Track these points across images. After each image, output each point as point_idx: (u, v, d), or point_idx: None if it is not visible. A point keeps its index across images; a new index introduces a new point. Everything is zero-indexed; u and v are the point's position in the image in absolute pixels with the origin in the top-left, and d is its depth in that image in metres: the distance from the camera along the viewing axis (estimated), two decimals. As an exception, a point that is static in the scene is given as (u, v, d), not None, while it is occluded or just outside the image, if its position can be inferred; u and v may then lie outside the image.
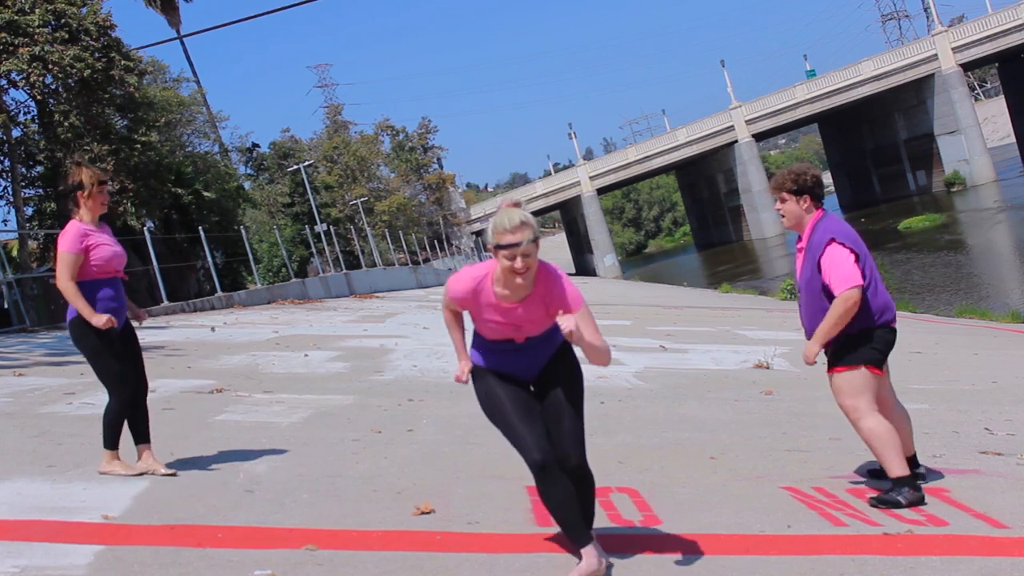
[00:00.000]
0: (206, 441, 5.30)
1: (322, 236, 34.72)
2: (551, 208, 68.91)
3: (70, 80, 20.15)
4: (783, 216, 4.49)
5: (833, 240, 4.26)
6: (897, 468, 4.16)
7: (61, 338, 11.92)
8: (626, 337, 12.61)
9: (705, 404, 7.10)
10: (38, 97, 20.87)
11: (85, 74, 19.82)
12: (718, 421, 6.38)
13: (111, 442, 4.52)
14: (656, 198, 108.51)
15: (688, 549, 3.53)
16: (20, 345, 10.85)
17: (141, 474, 4.51)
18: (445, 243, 58.16)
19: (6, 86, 20.59)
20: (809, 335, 4.39)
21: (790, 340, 11.28)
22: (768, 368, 9.07)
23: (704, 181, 65.90)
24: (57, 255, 4.50)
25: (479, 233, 67.17)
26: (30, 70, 19.33)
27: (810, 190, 4.37)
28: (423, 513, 3.94)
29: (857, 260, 4.24)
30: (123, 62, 21.13)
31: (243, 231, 25.33)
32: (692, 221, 75.45)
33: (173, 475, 4.54)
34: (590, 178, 61.03)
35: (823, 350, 4.34)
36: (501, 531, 3.77)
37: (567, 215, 69.14)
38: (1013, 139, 63.32)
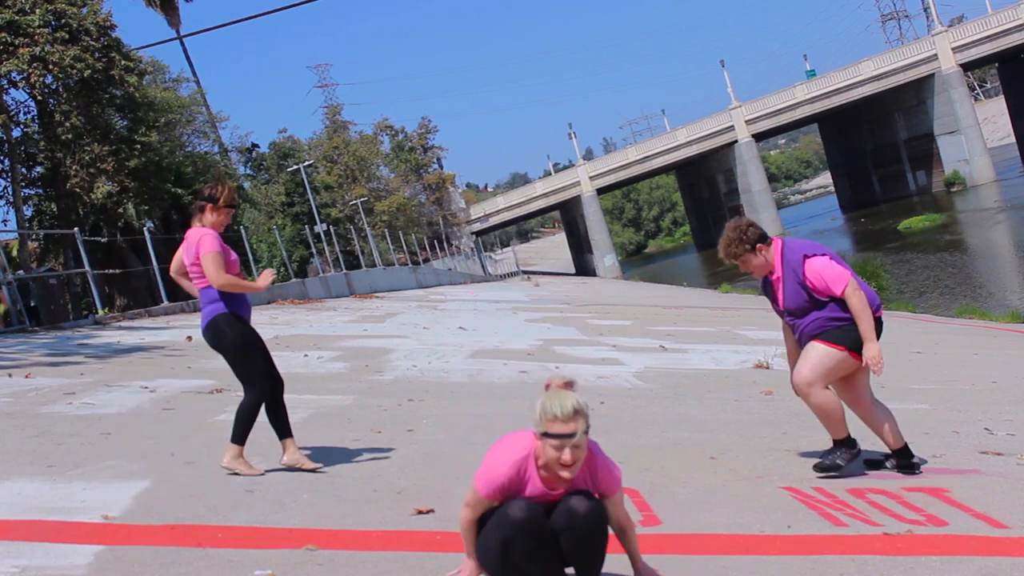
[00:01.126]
0: (206, 441, 5.30)
1: (322, 236, 34.72)
2: (551, 208, 68.96)
3: (70, 80, 20.16)
4: (752, 273, 4.75)
5: (806, 255, 4.57)
6: (840, 431, 4.64)
7: (61, 338, 11.93)
8: (626, 337, 12.62)
9: (705, 404, 7.10)
10: (38, 97, 20.88)
11: (85, 74, 19.84)
12: (718, 421, 6.38)
13: (241, 437, 4.60)
14: (656, 198, 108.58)
15: (688, 549, 3.53)
16: (20, 345, 10.85)
17: (263, 473, 4.58)
18: (445, 243, 58.16)
19: (6, 86, 20.60)
20: (799, 336, 4.71)
21: (790, 340, 11.26)
22: (768, 368, 9.06)
23: (704, 181, 65.93)
24: (204, 260, 4.60)
25: (479, 233, 67.22)
26: (30, 70, 19.34)
27: (757, 239, 4.65)
28: (423, 513, 3.94)
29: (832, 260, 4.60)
30: (123, 62, 21.15)
31: (243, 231, 25.33)
32: (692, 221, 75.49)
33: (318, 469, 4.66)
34: (590, 178, 61.04)
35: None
36: (501, 531, 3.76)
37: (567, 215, 69.17)
38: (1013, 139, 63.35)
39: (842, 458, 4.64)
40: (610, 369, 9.13)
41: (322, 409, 6.58)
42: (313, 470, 4.67)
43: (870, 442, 4.97)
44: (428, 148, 64.48)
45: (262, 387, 4.66)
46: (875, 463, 4.84)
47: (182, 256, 4.80)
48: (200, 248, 4.61)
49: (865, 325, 4.50)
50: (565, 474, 2.86)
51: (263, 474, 4.59)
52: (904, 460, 4.71)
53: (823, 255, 4.58)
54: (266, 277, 4.76)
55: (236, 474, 4.53)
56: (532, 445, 2.94)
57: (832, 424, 4.67)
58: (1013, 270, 22.97)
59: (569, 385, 2.94)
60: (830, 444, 4.79)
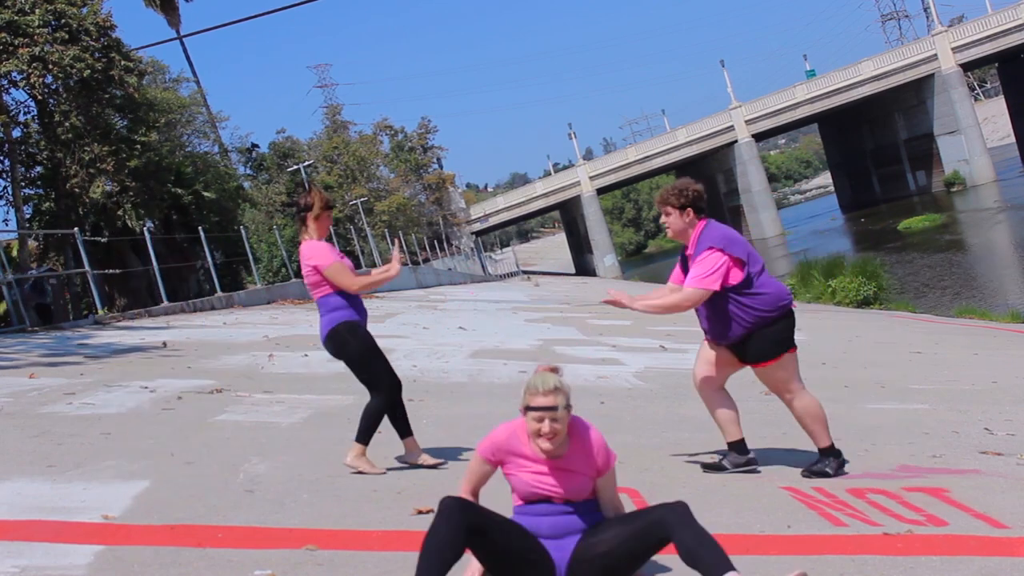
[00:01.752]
0: (206, 441, 5.30)
1: (322, 236, 34.64)
2: (551, 208, 68.94)
3: (70, 80, 20.14)
4: (668, 228, 4.81)
5: (712, 247, 4.60)
6: (824, 439, 4.70)
7: (60, 339, 11.92)
8: (626, 337, 12.61)
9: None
10: (38, 97, 20.87)
11: (85, 74, 19.82)
12: (718, 421, 6.37)
13: (365, 437, 4.70)
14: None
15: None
16: (19, 345, 10.85)
17: (384, 472, 4.67)
18: (445, 243, 58.13)
19: (6, 86, 20.59)
20: (710, 336, 4.84)
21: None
22: (768, 368, 9.05)
23: (704, 181, 64.40)
24: (328, 274, 4.74)
25: (479, 233, 67.19)
26: (30, 70, 19.33)
27: (692, 204, 4.71)
28: (423, 513, 3.94)
29: (738, 266, 4.58)
30: (123, 62, 21.13)
31: (243, 231, 25.32)
32: (692, 221, 75.31)
33: (439, 465, 4.80)
34: (590, 178, 61.03)
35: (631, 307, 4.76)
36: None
37: (567, 215, 69.15)
38: (1013, 139, 63.35)
39: (831, 465, 4.71)
40: (610, 369, 9.13)
41: (322, 409, 6.58)
42: (434, 466, 4.81)
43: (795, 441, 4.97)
44: (428, 148, 64.44)
45: (389, 390, 4.77)
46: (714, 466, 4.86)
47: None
48: (317, 264, 4.73)
49: (657, 304, 4.78)
50: (544, 445, 3.10)
51: (384, 473, 4.66)
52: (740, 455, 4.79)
53: (728, 255, 4.57)
54: (397, 258, 4.91)
55: (360, 472, 4.63)
56: (522, 422, 3.20)
57: (820, 426, 4.73)
58: (1013, 270, 22.97)
59: (555, 369, 3.19)
60: (827, 445, 4.80)
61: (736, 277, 4.58)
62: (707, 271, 4.56)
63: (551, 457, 3.15)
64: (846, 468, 4.79)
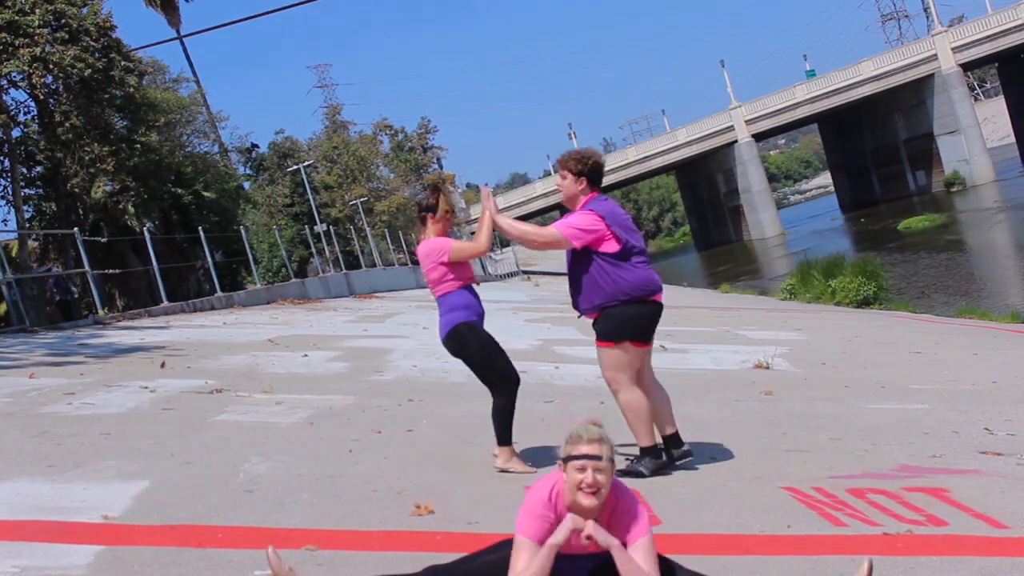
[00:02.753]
0: (206, 441, 5.30)
1: (322, 236, 34.71)
2: (551, 208, 68.90)
3: (70, 80, 20.14)
4: (561, 192, 4.79)
5: (591, 211, 4.61)
6: (645, 439, 4.65)
7: (61, 338, 11.93)
8: (626, 337, 12.59)
9: (705, 404, 7.10)
10: (39, 97, 20.87)
11: (85, 74, 19.83)
12: (718, 421, 6.38)
13: (506, 438, 4.76)
14: (656, 198, 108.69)
15: (688, 549, 3.53)
16: (20, 345, 10.86)
17: (536, 472, 4.68)
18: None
19: (6, 86, 20.60)
20: (576, 306, 4.80)
21: (790, 340, 11.27)
22: (768, 368, 9.07)
23: (704, 181, 65.87)
24: (454, 256, 4.84)
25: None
26: (31, 71, 19.34)
27: (589, 173, 4.69)
28: (422, 512, 3.94)
29: (614, 239, 4.57)
30: (123, 62, 21.14)
31: (243, 231, 25.33)
32: (692, 221, 75.42)
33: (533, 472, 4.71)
34: (590, 178, 60.96)
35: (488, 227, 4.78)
36: (501, 531, 3.76)
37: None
38: (1013, 139, 63.38)
39: (646, 467, 4.68)
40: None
41: (322, 409, 6.58)
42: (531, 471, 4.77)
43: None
44: (428, 148, 64.42)
45: (510, 386, 4.81)
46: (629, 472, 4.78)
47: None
48: (442, 252, 4.77)
49: (519, 228, 4.78)
50: (586, 502, 2.83)
51: (536, 472, 4.67)
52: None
53: (602, 220, 4.58)
54: (486, 193, 4.90)
55: (506, 471, 4.69)
56: (558, 477, 2.94)
57: (637, 427, 4.70)
58: (1013, 270, 22.97)
59: (597, 423, 2.96)
60: (830, 444, 4.80)
61: (610, 247, 4.59)
62: (577, 224, 4.59)
63: (587, 516, 2.87)
64: (843, 469, 4.79)
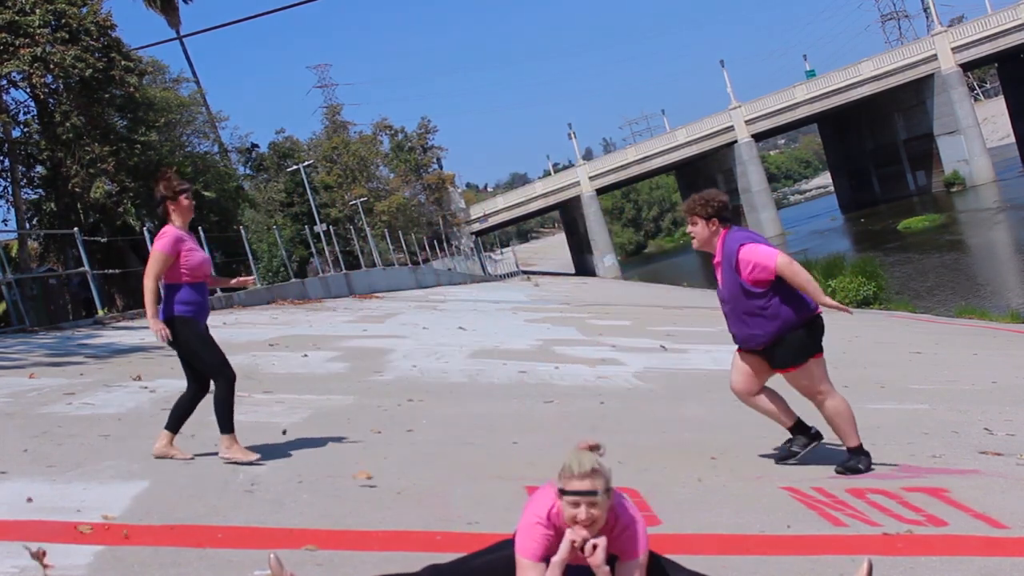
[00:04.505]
0: (206, 441, 5.29)
1: (322, 236, 34.70)
2: (551, 208, 68.91)
3: (71, 80, 20.15)
4: (693, 237, 4.86)
5: (743, 244, 4.69)
6: (854, 439, 4.77)
7: (61, 338, 11.92)
8: (626, 337, 12.61)
9: (705, 404, 7.10)
10: (39, 97, 20.88)
11: (86, 74, 19.83)
12: (718, 421, 6.38)
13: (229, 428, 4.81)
14: (656, 198, 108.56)
15: (688, 549, 3.53)
16: (20, 345, 10.85)
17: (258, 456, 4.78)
18: (445, 243, 58.12)
19: (7, 86, 20.60)
20: (738, 341, 4.86)
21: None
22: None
23: (704, 181, 65.67)
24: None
25: (479, 233, 67.20)
26: (31, 71, 19.34)
27: (717, 213, 4.76)
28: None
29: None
30: (123, 62, 21.16)
31: (243, 231, 25.33)
32: (692, 221, 75.30)
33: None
34: (590, 178, 61.02)
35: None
36: (501, 531, 3.76)
37: (567, 215, 69.12)
38: (1013, 139, 63.34)
39: (863, 463, 4.79)
40: (610, 369, 9.13)
41: (322, 409, 6.58)
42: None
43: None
44: (428, 148, 64.38)
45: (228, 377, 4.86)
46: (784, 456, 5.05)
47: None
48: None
49: (811, 287, 4.65)
50: (581, 534, 2.83)
51: (258, 458, 4.68)
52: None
53: (753, 243, 4.68)
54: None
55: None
56: (551, 500, 2.93)
57: (848, 430, 4.79)
58: (1013, 270, 22.97)
59: (595, 448, 2.93)
60: (830, 444, 4.81)
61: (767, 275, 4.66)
62: (762, 252, 4.63)
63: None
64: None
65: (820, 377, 4.77)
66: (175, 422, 4.90)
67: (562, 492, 2.83)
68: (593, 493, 2.79)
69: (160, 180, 4.93)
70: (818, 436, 4.97)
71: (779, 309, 4.64)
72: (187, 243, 4.82)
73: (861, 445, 4.80)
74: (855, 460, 4.77)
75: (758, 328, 4.70)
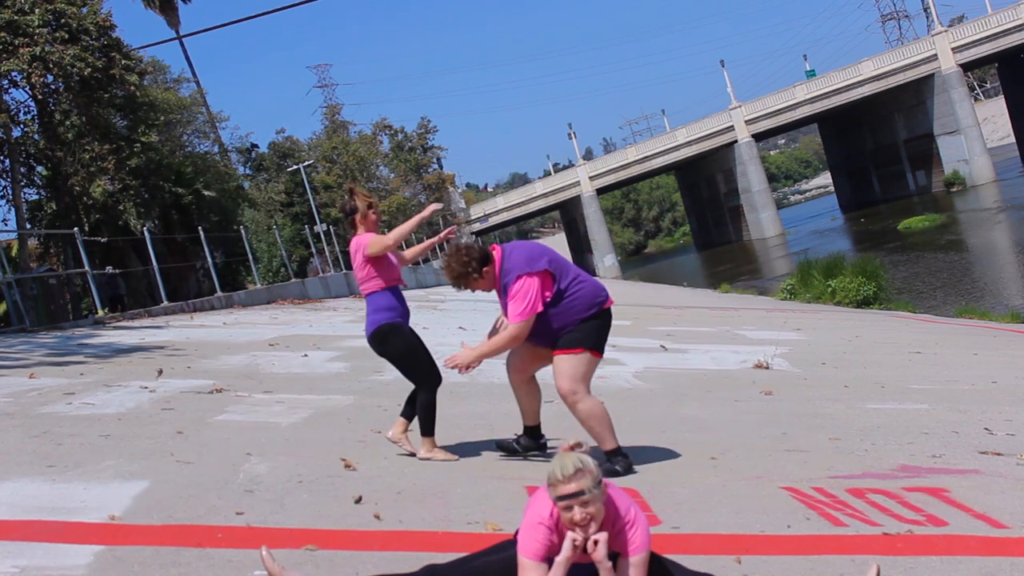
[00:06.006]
0: (206, 441, 5.30)
1: (321, 236, 34.72)
2: (551, 208, 68.95)
3: (70, 80, 20.15)
4: (480, 290, 4.93)
5: (520, 275, 4.67)
6: (612, 443, 4.73)
7: (62, 338, 11.93)
8: (626, 337, 12.61)
9: (705, 404, 7.10)
10: (39, 97, 20.88)
11: (85, 74, 19.83)
12: (718, 421, 6.38)
13: (431, 429, 5.02)
14: (656, 198, 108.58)
15: (688, 549, 3.53)
16: (21, 345, 10.86)
17: (457, 458, 5.00)
18: (445, 243, 58.01)
19: (6, 86, 20.60)
20: (535, 340, 4.85)
21: (790, 340, 11.27)
22: (768, 368, 9.07)
23: (704, 181, 65.90)
24: (370, 244, 5.04)
25: (479, 233, 67.20)
26: (31, 70, 19.34)
27: (480, 259, 4.78)
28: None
29: (548, 277, 4.67)
30: (123, 62, 21.14)
31: (243, 231, 25.34)
32: (692, 221, 75.46)
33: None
34: (590, 178, 61.04)
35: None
36: (501, 531, 3.76)
37: (567, 215, 69.15)
38: (1013, 139, 63.37)
39: (621, 465, 4.73)
40: (610, 369, 9.12)
41: (322, 409, 6.58)
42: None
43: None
44: (428, 148, 64.38)
45: (433, 382, 5.24)
46: (508, 448, 5.11)
47: None
48: (360, 248, 5.00)
49: (494, 346, 4.93)
50: (582, 535, 2.85)
51: (457, 459, 4.96)
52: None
53: (537, 275, 4.66)
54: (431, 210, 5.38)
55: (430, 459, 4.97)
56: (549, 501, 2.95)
57: (603, 433, 4.76)
58: (1013, 270, 22.97)
59: (576, 446, 2.94)
60: (830, 444, 4.80)
61: (549, 288, 4.71)
62: (525, 301, 4.66)
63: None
64: (843, 469, 4.79)
65: (584, 375, 4.77)
66: (411, 408, 5.16)
67: (556, 499, 2.85)
68: (582, 493, 2.80)
69: (354, 194, 5.17)
70: (543, 449, 5.05)
71: (570, 307, 4.73)
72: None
73: (619, 447, 4.76)
74: (612, 462, 4.71)
75: (554, 331, 4.79)
